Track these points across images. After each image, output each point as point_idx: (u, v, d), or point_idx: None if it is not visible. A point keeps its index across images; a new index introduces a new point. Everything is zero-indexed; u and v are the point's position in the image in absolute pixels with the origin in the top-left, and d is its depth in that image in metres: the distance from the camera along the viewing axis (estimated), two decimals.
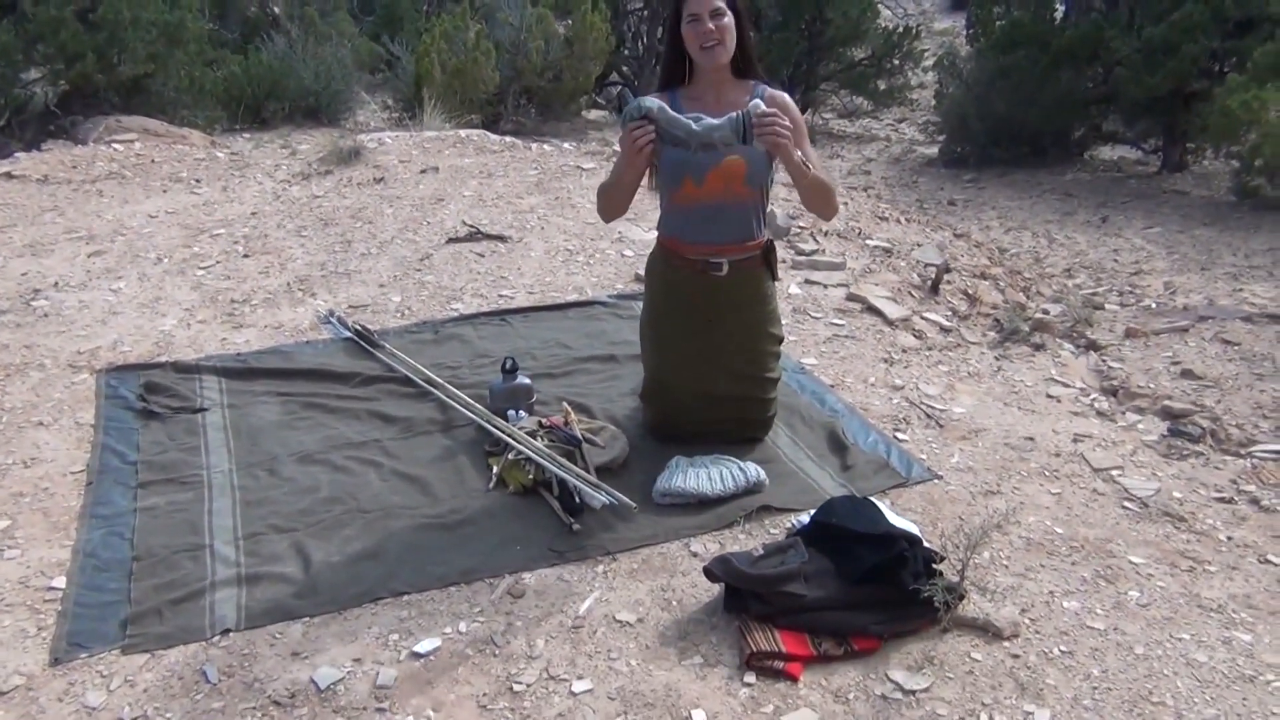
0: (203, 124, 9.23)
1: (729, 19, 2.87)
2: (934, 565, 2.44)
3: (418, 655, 2.34)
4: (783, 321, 3.34)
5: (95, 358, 3.88)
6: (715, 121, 2.77)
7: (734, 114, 2.75)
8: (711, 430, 3.15)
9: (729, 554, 2.51)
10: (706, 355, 3.10)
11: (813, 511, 2.71)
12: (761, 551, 2.52)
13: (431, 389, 3.57)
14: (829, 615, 2.36)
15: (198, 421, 3.40)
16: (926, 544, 2.55)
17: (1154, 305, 5.44)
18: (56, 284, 4.64)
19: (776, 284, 3.24)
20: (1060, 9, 12.42)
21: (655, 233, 3.19)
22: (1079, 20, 11.75)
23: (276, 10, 16.26)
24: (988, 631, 2.39)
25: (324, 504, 2.93)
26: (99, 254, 5.04)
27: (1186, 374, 3.99)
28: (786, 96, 3.02)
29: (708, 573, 2.49)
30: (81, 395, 3.59)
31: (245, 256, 5.01)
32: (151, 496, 2.97)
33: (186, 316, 4.30)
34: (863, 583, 2.39)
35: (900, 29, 16.27)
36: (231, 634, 2.41)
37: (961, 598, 2.40)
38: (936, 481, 3.10)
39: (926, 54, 16.35)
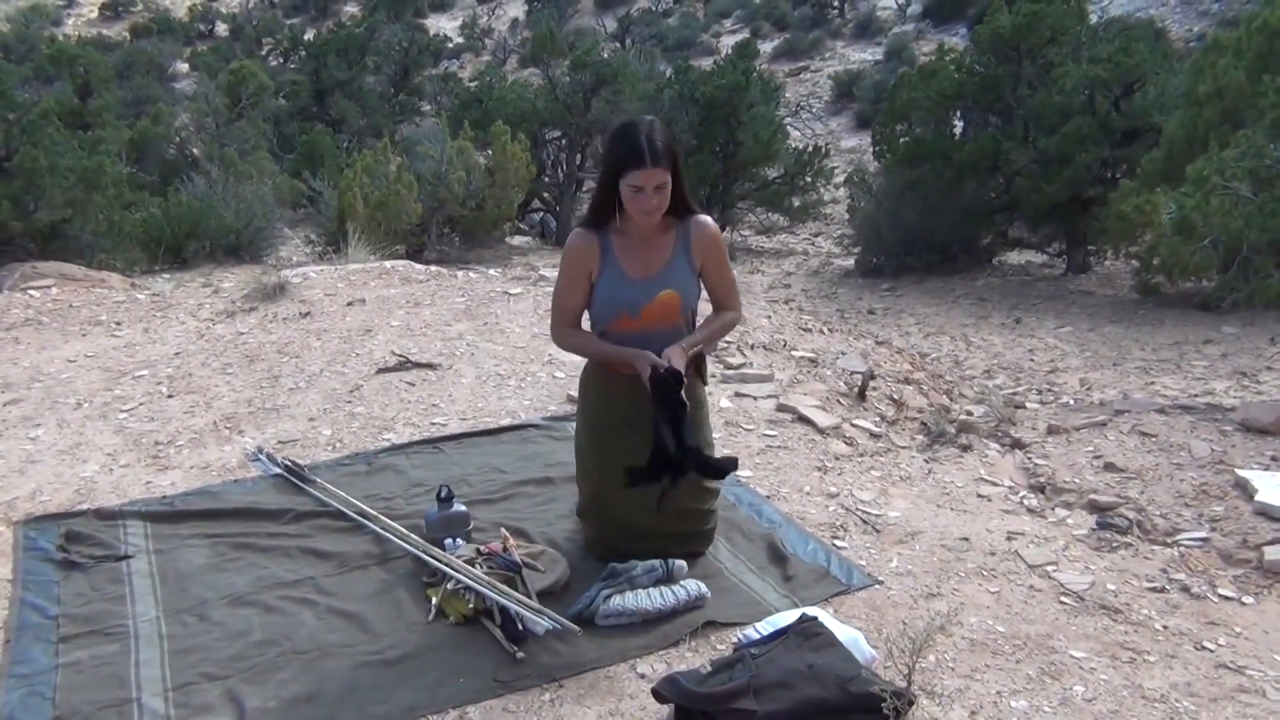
0: (122, 266, 9.16)
1: (668, 183, 2.89)
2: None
3: None
4: (716, 435, 3.37)
5: (12, 509, 3.75)
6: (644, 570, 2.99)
7: (657, 564, 3.00)
8: (653, 546, 3.13)
9: (676, 673, 2.48)
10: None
11: (760, 625, 2.71)
12: (709, 669, 2.49)
13: (366, 522, 3.51)
14: None
15: (122, 569, 3.29)
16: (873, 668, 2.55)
17: (1072, 402, 5.61)
18: None
19: (709, 395, 3.30)
20: (959, 124, 13.05)
21: None
22: (977, 135, 12.34)
23: (195, 152, 16.38)
24: None
25: (257, 647, 2.83)
26: (15, 402, 4.91)
27: (1109, 467, 4.09)
28: (711, 225, 3.10)
29: (656, 694, 2.45)
30: None
31: (169, 397, 4.93)
32: (74, 651, 2.85)
33: (109, 461, 4.20)
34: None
35: (810, 148, 16.96)
36: None
37: (911, 703, 2.39)
38: (877, 587, 3.11)
39: (836, 171, 17.02)
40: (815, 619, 2.64)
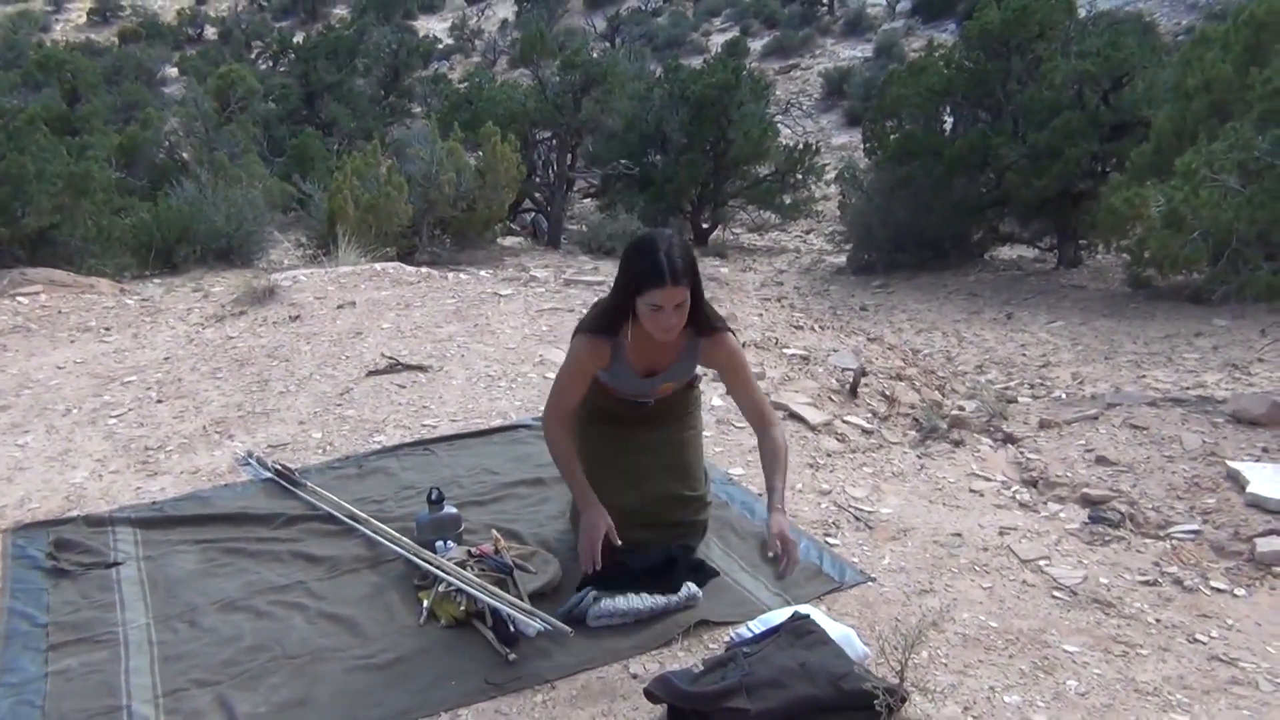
0: (111, 272, 9.11)
1: (688, 301, 2.83)
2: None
3: None
4: (707, 433, 3.37)
5: (1, 517, 3.73)
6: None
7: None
8: (647, 536, 3.11)
9: (669, 673, 2.47)
10: (636, 470, 3.11)
11: (752, 624, 2.70)
12: (701, 668, 2.48)
13: (357, 525, 3.49)
14: None
15: (111, 576, 3.27)
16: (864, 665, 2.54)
17: (1064, 396, 5.61)
18: None
19: (701, 393, 3.32)
20: (949, 120, 13.05)
21: None
22: (967, 130, 12.35)
23: (185, 156, 16.33)
24: None
25: (248, 653, 2.81)
26: (3, 409, 4.89)
27: (1101, 461, 4.09)
28: (726, 344, 3.04)
29: (649, 694, 2.44)
30: None
31: (159, 402, 4.91)
32: (64, 659, 2.83)
33: (98, 467, 4.18)
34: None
35: (800, 146, 16.95)
36: None
37: (903, 700, 2.39)
38: (870, 584, 3.11)
39: (827, 168, 17.01)
40: (807, 617, 2.64)
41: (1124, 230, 9.36)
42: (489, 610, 2.85)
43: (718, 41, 31.09)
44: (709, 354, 3.05)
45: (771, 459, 3.08)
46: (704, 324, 2.97)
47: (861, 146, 15.06)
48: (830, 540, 3.39)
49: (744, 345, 5.30)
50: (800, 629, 2.57)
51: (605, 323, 2.96)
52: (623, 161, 16.18)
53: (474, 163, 12.61)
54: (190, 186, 11.72)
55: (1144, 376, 6.27)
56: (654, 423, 3.18)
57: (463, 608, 2.89)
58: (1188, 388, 5.67)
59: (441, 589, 2.97)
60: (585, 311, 3.17)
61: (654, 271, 2.75)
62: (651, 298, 2.77)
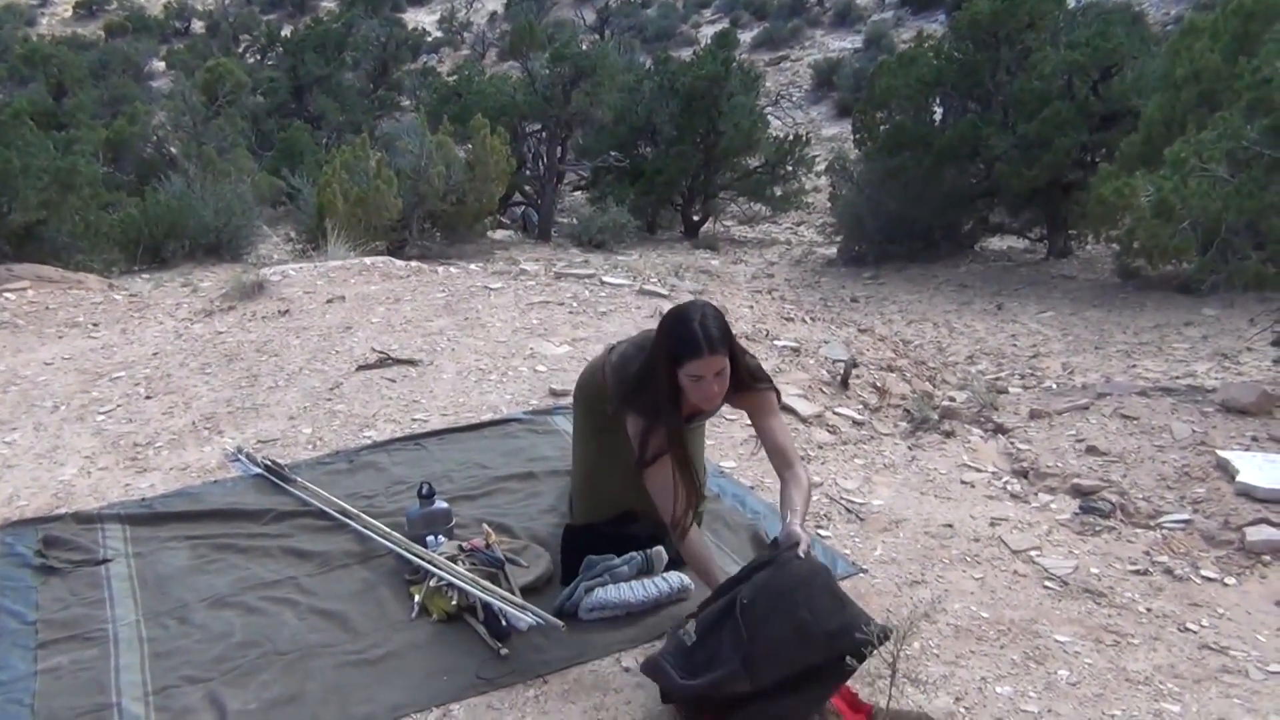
0: (99, 267, 9.07)
1: (728, 368, 2.81)
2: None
3: None
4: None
5: None
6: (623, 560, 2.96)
7: (637, 554, 2.96)
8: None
9: (661, 657, 2.42)
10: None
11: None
12: (694, 636, 2.42)
13: (347, 520, 3.48)
14: (771, 706, 2.31)
15: (101, 573, 3.25)
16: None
17: (1054, 386, 5.62)
18: None
19: None
20: (938, 111, 13.05)
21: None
22: (957, 121, 12.35)
23: (173, 150, 16.25)
24: None
25: (238, 649, 2.81)
26: None
27: (1091, 451, 4.10)
28: (760, 397, 3.01)
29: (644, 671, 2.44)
30: None
31: (148, 398, 4.88)
32: (53, 656, 2.81)
33: (87, 464, 4.16)
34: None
35: (791, 137, 16.92)
36: None
37: (888, 637, 2.31)
38: (862, 575, 3.11)
39: (818, 159, 16.99)
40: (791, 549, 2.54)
41: (1113, 220, 9.38)
42: (480, 604, 2.84)
43: (707, 33, 31.05)
44: (741, 398, 3.00)
45: (795, 486, 2.88)
46: (741, 386, 2.93)
47: (852, 138, 15.04)
48: (822, 532, 3.39)
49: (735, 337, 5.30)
50: (785, 560, 2.49)
51: (652, 409, 2.89)
52: (613, 154, 16.15)
53: (463, 156, 12.57)
54: (178, 181, 11.67)
55: (1134, 366, 6.28)
56: None
57: (454, 602, 2.88)
58: (1178, 377, 5.69)
59: (433, 584, 2.96)
60: (621, 381, 3.04)
61: (692, 343, 2.74)
62: (692, 369, 2.76)
